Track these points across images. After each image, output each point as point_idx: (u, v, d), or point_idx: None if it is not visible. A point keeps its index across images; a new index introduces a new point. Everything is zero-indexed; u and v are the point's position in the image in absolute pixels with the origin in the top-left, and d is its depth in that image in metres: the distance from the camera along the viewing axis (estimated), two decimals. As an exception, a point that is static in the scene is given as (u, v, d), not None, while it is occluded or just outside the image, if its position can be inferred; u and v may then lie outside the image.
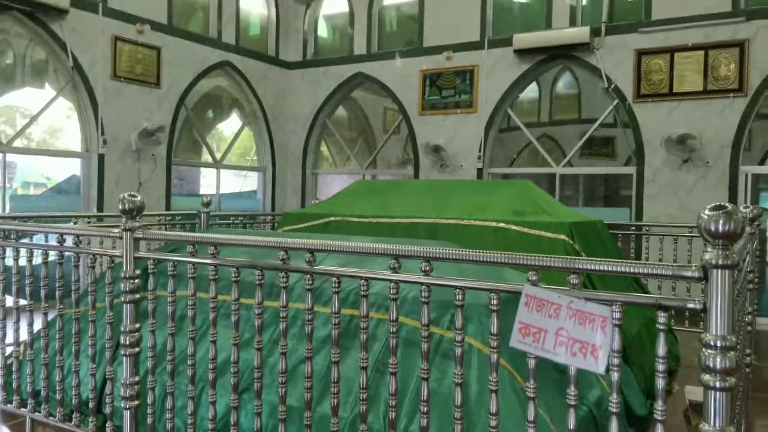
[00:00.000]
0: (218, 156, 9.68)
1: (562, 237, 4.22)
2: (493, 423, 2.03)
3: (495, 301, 1.98)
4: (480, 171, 8.76)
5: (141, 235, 2.64)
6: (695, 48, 7.36)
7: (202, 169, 10.07)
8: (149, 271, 2.66)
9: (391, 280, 2.16)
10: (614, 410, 1.78)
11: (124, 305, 2.63)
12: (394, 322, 2.20)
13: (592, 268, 1.80)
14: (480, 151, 8.75)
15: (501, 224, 4.43)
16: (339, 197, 5.59)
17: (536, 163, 12.48)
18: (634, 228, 6.27)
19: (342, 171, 11.12)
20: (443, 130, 9.07)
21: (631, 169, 7.96)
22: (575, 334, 1.76)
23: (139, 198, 2.66)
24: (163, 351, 2.92)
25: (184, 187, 9.82)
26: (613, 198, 9.38)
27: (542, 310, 1.79)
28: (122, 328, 2.64)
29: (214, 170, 9.64)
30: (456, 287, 2.05)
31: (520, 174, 9.20)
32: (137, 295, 2.65)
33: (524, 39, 8.30)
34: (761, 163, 7.67)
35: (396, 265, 2.13)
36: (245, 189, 11.15)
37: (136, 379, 2.66)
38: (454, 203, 4.85)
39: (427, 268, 2.07)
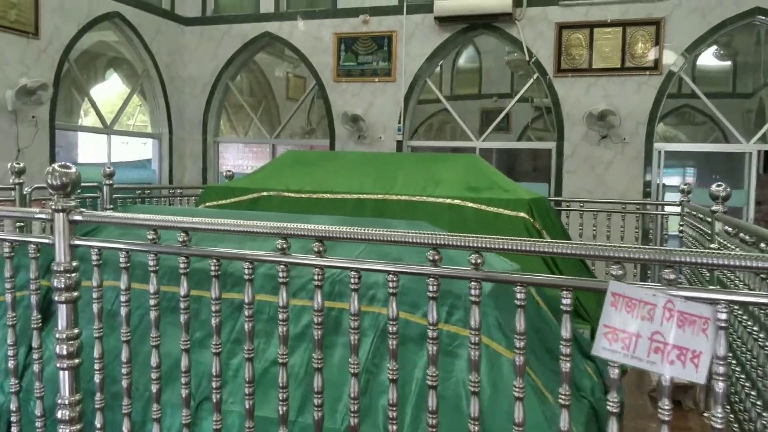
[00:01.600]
0: (108, 120, 8.61)
1: (522, 215, 4.00)
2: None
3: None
4: (399, 143, 8.44)
5: (80, 218, 2.04)
6: (614, 24, 7.43)
7: (80, 134, 8.96)
8: (94, 262, 2.07)
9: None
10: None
11: (60, 306, 2.04)
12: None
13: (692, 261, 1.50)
14: (399, 122, 8.42)
15: (456, 201, 4.14)
16: (267, 170, 5.04)
17: (443, 137, 12.43)
18: (579, 205, 6.19)
19: (248, 140, 10.38)
20: (360, 99, 8.63)
21: (551, 145, 7.99)
22: (673, 338, 1.48)
23: (73, 170, 2.05)
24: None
25: (62, 156, 8.68)
26: (532, 173, 9.46)
27: (633, 311, 1.50)
28: (57, 335, 2.05)
29: (102, 136, 8.58)
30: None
31: (442, 148, 9.00)
32: (76, 293, 2.06)
33: (445, 6, 7.99)
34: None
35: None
36: (135, 158, 10.13)
37: (77, 397, 2.08)
38: (401, 178, 4.48)
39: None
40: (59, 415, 2.06)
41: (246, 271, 1.94)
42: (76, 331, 2.07)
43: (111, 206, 5.23)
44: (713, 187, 3.30)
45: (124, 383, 2.13)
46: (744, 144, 7.29)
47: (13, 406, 2.37)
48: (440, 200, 4.16)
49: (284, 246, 1.86)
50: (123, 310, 2.08)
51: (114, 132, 8.65)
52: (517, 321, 1.73)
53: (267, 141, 9.81)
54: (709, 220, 3.77)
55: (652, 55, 7.29)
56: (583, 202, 5.97)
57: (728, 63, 11.47)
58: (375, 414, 2.28)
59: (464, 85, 13.74)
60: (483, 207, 4.06)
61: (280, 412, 1.97)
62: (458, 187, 4.24)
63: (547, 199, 4.92)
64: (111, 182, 5.21)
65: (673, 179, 9.42)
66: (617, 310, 1.50)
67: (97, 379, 2.13)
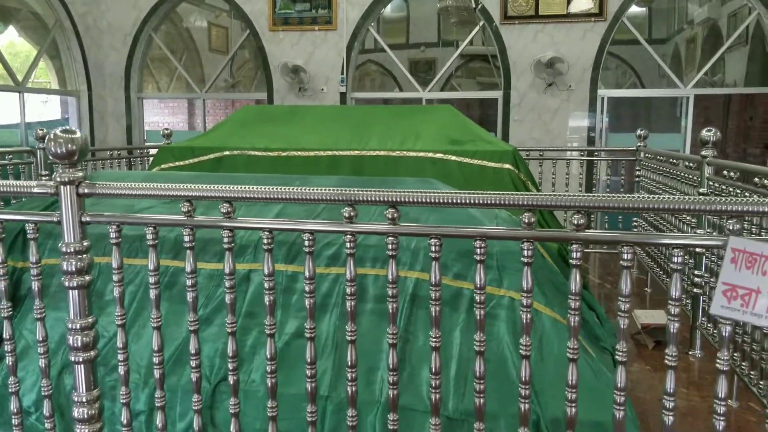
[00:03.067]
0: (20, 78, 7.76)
1: (507, 166, 3.92)
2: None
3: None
4: (343, 95, 8.13)
5: (88, 191, 1.74)
6: (558, -30, 7.38)
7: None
8: (113, 241, 1.78)
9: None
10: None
11: (71, 292, 1.75)
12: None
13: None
14: (342, 73, 8.09)
15: (439, 155, 4.00)
16: (226, 127, 4.67)
17: (375, 88, 12.16)
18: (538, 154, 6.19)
19: (177, 95, 9.72)
20: (299, 49, 8.21)
21: (498, 93, 7.95)
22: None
23: (79, 134, 1.74)
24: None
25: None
26: (481, 123, 9.41)
27: (753, 267, 1.43)
28: (69, 325, 1.77)
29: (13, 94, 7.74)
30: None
31: (387, 99, 8.76)
32: (88, 277, 1.77)
33: (387, -50, 7.66)
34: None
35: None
36: (46, 119, 9.26)
37: (96, 393, 1.82)
38: (376, 133, 4.27)
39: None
40: (75, 413, 1.81)
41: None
42: (90, 319, 1.80)
43: (46, 173, 4.73)
44: (704, 132, 3.32)
45: (121, 370, 1.89)
46: (683, 88, 7.53)
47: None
48: (422, 154, 4.01)
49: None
50: (153, 293, 1.81)
51: (28, 90, 7.82)
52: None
53: (198, 95, 9.20)
54: (691, 164, 3.83)
55: (596, 2, 7.31)
56: (542, 151, 5.99)
57: (644, 9, 11.83)
58: (417, 383, 2.16)
59: (391, 35, 13.46)
60: (467, 160, 3.95)
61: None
62: (439, 141, 4.09)
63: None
64: (44, 146, 4.68)
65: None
66: (737, 266, 1.42)
67: (121, 371, 1.88)
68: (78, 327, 1.78)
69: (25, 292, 2.66)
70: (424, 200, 1.61)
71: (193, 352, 1.86)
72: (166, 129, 6.22)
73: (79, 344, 1.79)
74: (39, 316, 2.00)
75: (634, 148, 5.49)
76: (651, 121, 11.66)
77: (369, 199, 1.62)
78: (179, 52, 10.85)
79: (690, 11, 11.43)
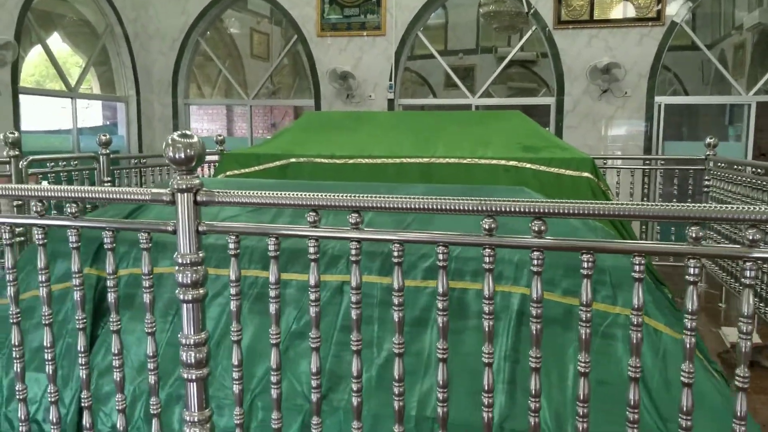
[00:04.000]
0: (72, 83, 7.83)
1: (586, 175, 3.78)
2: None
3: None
4: (391, 102, 8.05)
5: (206, 199, 1.66)
6: (614, -26, 7.21)
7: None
8: (232, 252, 1.70)
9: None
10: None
11: (185, 305, 1.67)
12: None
13: None
14: (391, 80, 8.01)
15: (512, 162, 3.87)
16: (289, 133, 4.61)
17: (406, 95, 12.04)
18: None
19: (225, 102, 9.74)
20: (347, 55, 8.15)
21: (551, 100, 7.79)
22: None
23: (196, 139, 1.66)
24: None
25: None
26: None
27: None
28: (182, 341, 1.69)
29: (68, 100, 7.82)
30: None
31: (436, 106, 8.66)
32: (203, 290, 1.69)
33: (438, -46, 7.57)
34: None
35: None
36: (96, 124, 9.36)
37: (208, 413, 1.74)
38: (444, 139, 4.17)
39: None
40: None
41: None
42: (204, 335, 1.72)
43: (108, 179, 4.72)
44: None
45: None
46: (744, 95, 7.29)
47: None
48: (494, 162, 3.89)
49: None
50: (272, 307, 1.72)
51: (80, 96, 7.90)
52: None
53: (244, 102, 9.20)
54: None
55: (654, 6, 7.12)
56: (605, 159, 5.81)
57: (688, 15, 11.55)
58: (521, 404, 2.05)
59: (430, 42, 13.40)
60: (543, 168, 3.81)
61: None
62: (512, 148, 3.97)
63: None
64: (108, 152, 4.67)
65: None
66: None
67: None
68: (192, 343, 1.70)
69: (106, 303, 2.60)
70: (528, 210, 1.49)
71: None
72: (219, 135, 6.20)
73: (193, 361, 1.71)
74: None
75: (703, 157, 5.29)
76: (698, 129, 11.37)
77: (512, 209, 1.51)
78: (222, 58, 10.91)
79: (737, 17, 11.11)
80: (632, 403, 1.56)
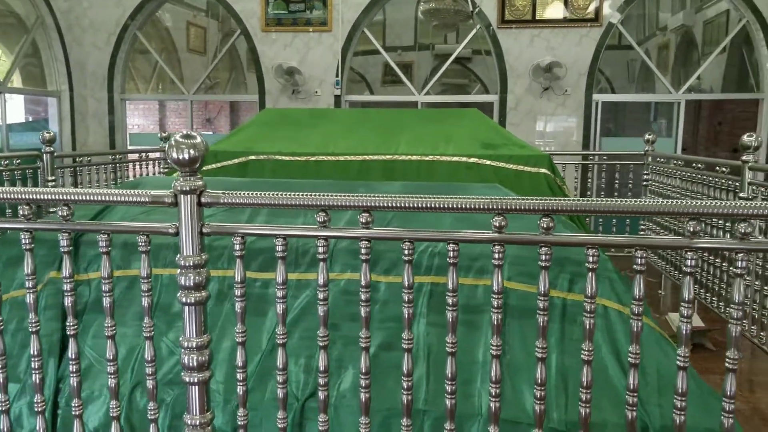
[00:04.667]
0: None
1: (544, 171, 3.93)
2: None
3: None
4: (338, 98, 8.04)
5: (211, 200, 1.64)
6: (554, -25, 7.46)
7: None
8: (237, 253, 1.68)
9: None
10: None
11: (187, 308, 1.65)
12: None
13: None
14: (337, 76, 8.00)
15: (473, 159, 3.97)
16: (247, 130, 4.54)
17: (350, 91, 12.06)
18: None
19: (163, 96, 9.44)
20: (293, 50, 8.07)
21: (494, 97, 7.98)
22: None
23: (200, 139, 1.64)
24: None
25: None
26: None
27: None
28: (184, 344, 1.66)
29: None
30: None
31: (381, 102, 8.70)
32: (205, 293, 1.67)
33: (383, -49, 7.61)
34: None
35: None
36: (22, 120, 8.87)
37: (209, 416, 1.72)
38: (405, 136, 4.22)
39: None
40: (190, 439, 1.70)
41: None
42: (206, 337, 1.70)
43: (53, 178, 4.51)
44: (745, 137, 3.39)
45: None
46: (674, 94, 7.71)
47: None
48: (455, 159, 3.98)
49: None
50: (279, 307, 1.72)
51: (8, 90, 7.47)
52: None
53: (185, 97, 8.95)
54: (724, 170, 3.90)
55: (592, 7, 7.42)
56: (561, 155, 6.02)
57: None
58: (519, 396, 2.12)
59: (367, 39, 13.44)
60: (502, 164, 3.93)
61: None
62: (472, 145, 4.07)
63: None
64: (52, 149, 4.46)
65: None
66: None
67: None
68: (194, 346, 1.68)
69: (81, 306, 2.51)
70: (539, 208, 1.56)
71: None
72: (164, 132, 6.03)
73: (195, 364, 1.68)
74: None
75: (642, 152, 5.58)
76: (625, 126, 11.92)
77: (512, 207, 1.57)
78: (158, 52, 10.56)
79: (662, 19, 11.71)
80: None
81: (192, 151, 1.61)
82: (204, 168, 4.25)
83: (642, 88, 11.38)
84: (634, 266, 1.56)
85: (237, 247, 1.68)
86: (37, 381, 1.82)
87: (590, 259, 1.57)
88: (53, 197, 1.69)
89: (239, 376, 1.74)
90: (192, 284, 1.65)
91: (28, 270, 1.75)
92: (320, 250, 1.66)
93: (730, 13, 8.82)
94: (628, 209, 1.54)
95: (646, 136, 5.57)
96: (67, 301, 1.78)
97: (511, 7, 7.57)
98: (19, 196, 1.71)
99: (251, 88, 12.09)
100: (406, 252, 1.62)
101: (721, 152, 11.59)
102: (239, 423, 1.77)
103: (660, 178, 5.22)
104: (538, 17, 7.51)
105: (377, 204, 1.61)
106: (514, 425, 2.06)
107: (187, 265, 1.64)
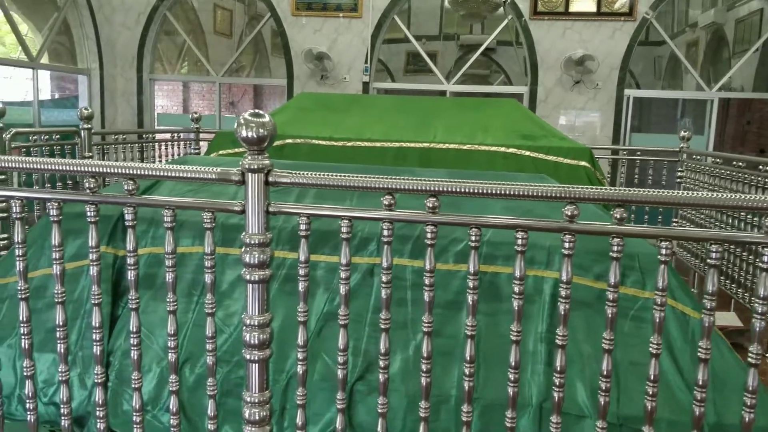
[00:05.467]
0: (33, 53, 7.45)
1: (584, 164, 3.89)
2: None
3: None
4: (366, 85, 8.01)
5: (277, 179, 1.64)
6: (589, -32, 7.36)
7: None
8: (302, 233, 1.68)
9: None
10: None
11: (251, 286, 1.65)
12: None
13: None
14: (366, 62, 7.96)
15: (511, 150, 3.94)
16: (283, 113, 4.54)
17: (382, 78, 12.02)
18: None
19: (193, 78, 9.46)
20: (322, 36, 8.05)
21: (524, 89, 7.92)
22: None
23: (268, 118, 1.63)
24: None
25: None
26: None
27: None
28: (247, 321, 1.67)
29: (28, 71, 7.42)
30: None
31: (410, 91, 8.66)
32: (269, 271, 1.67)
33: (416, -62, 7.54)
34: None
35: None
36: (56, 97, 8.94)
37: (268, 394, 1.72)
38: (441, 124, 4.20)
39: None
40: (247, 414, 1.71)
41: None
42: (268, 316, 1.70)
43: (90, 154, 4.54)
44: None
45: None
46: (707, 91, 7.60)
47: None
48: (494, 149, 3.95)
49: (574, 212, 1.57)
50: (342, 288, 1.72)
51: (42, 66, 7.52)
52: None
53: (213, 79, 8.96)
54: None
55: (626, 1, 7.32)
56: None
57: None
58: (569, 388, 2.11)
59: (392, 28, 13.37)
60: (542, 156, 3.90)
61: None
62: (510, 135, 4.04)
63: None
64: (90, 126, 4.49)
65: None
66: None
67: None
68: (255, 323, 1.68)
69: (128, 281, 2.52)
70: (612, 197, 1.54)
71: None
72: (195, 113, 6.04)
73: (256, 341, 1.69)
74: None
75: (677, 149, 5.51)
76: (650, 122, 11.80)
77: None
78: (186, 33, 10.59)
79: (691, 16, 11.54)
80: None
81: (261, 130, 1.60)
82: (240, 149, 4.28)
83: (668, 85, 11.25)
84: (709, 260, 1.53)
85: (302, 227, 1.67)
86: (98, 353, 1.83)
87: (663, 251, 1.54)
88: (119, 171, 1.69)
89: (300, 355, 1.74)
90: (257, 262, 1.64)
91: (92, 242, 1.76)
92: (385, 233, 1.65)
93: (765, 11, 8.67)
94: (714, 203, 1.52)
95: (681, 133, 5.49)
96: (131, 275, 1.79)
97: (544, -2, 7.49)
98: (85, 169, 1.71)
99: (275, 72, 12.11)
100: (473, 239, 1.61)
101: (748, 152, 11.43)
102: (298, 402, 1.77)
103: (696, 176, 5.16)
104: (570, 10, 7.42)
105: (446, 189, 1.59)
106: (564, 416, 2.05)
107: (252, 243, 1.64)
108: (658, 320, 1.58)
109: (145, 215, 2.63)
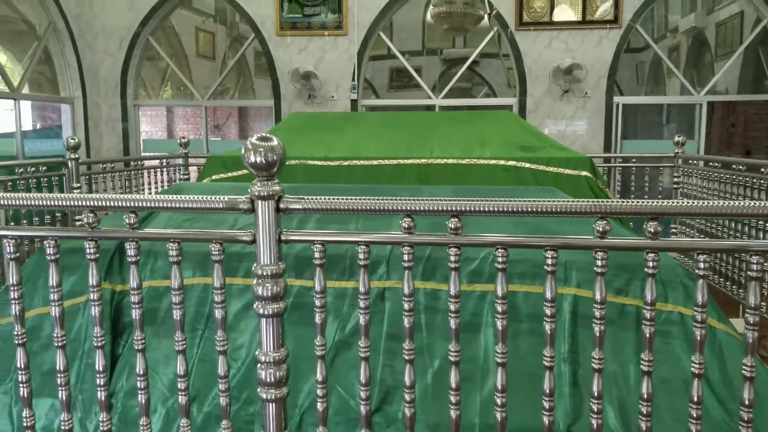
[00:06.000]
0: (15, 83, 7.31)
1: (585, 173, 3.83)
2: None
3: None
4: (354, 102, 7.95)
5: (290, 206, 1.54)
6: (572, -23, 7.39)
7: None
8: (317, 261, 1.58)
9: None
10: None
11: (264, 320, 1.55)
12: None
13: None
14: (354, 80, 7.91)
15: (511, 162, 3.88)
16: (275, 134, 4.44)
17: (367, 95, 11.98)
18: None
19: (179, 103, 9.35)
20: (308, 54, 7.99)
21: (513, 100, 7.89)
22: None
23: (277, 142, 1.55)
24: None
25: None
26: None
27: None
28: (262, 358, 1.56)
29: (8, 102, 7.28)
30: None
31: (398, 106, 8.61)
32: (283, 304, 1.57)
33: (398, -46, 7.54)
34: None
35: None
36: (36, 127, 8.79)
37: (287, 442, 1.61)
38: (438, 139, 4.13)
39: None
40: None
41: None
42: (284, 351, 1.60)
43: (78, 185, 4.41)
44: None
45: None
46: (696, 95, 7.63)
47: None
48: (493, 162, 3.88)
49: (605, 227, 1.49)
50: (363, 318, 1.62)
51: (23, 97, 7.38)
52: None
53: (199, 103, 8.87)
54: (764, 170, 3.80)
55: (611, 8, 7.34)
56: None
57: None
58: (587, 408, 2.02)
59: (376, 45, 13.33)
60: (542, 167, 3.84)
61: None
62: (509, 147, 3.98)
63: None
64: (77, 156, 4.37)
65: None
66: None
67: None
68: (271, 360, 1.58)
69: (129, 318, 2.41)
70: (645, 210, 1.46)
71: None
72: (183, 138, 5.93)
73: (272, 379, 1.58)
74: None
75: (672, 154, 5.48)
76: (636, 128, 11.84)
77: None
78: (169, 58, 10.50)
79: (671, 21, 11.65)
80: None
81: (270, 155, 1.51)
82: (233, 174, 4.17)
83: (652, 91, 11.30)
84: (749, 272, 1.45)
85: (317, 255, 1.58)
86: (102, 399, 1.71)
87: (701, 265, 1.47)
88: (119, 204, 1.59)
89: (319, 392, 1.64)
90: (270, 294, 1.55)
91: (92, 281, 1.65)
92: (405, 257, 1.56)
93: (745, 14, 8.75)
94: (743, 211, 1.45)
95: (676, 138, 5.47)
96: (135, 314, 1.68)
97: (529, 9, 7.49)
98: (83, 203, 1.61)
99: (259, 94, 12.03)
100: (501, 260, 1.53)
101: (735, 154, 11.51)
102: None
103: (694, 181, 5.13)
104: (555, 19, 7.43)
105: (466, 209, 1.51)
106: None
107: (264, 274, 1.54)
108: (699, 338, 1.50)
109: (142, 247, 2.52)
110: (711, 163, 4.70)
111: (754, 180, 3.91)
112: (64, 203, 1.53)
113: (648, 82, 11.83)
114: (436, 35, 12.88)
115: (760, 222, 3.84)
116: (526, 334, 2.24)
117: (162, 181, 5.54)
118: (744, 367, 1.47)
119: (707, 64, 10.72)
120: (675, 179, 5.46)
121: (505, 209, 1.51)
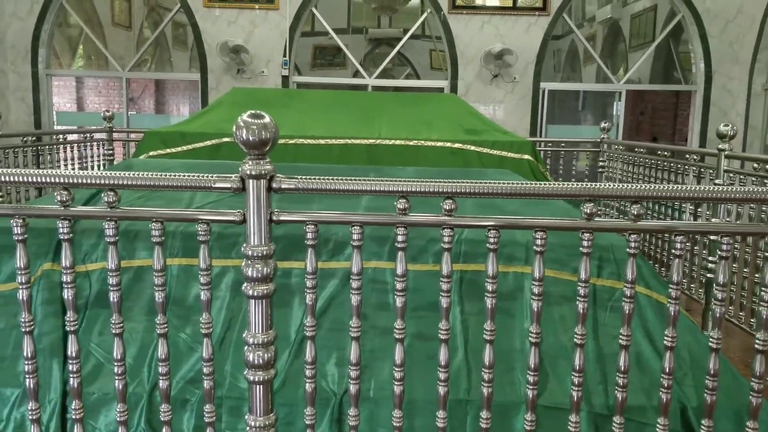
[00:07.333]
0: None
1: (527, 157, 3.96)
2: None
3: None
4: (285, 78, 7.79)
5: (283, 186, 1.51)
6: (505, -37, 7.53)
7: None
8: (309, 242, 1.55)
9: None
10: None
11: (253, 302, 1.51)
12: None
13: None
14: (285, 56, 7.74)
15: (457, 145, 3.95)
16: (217, 111, 4.30)
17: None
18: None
19: (97, 74, 8.82)
20: (237, 28, 7.73)
21: (444, 83, 7.99)
22: None
23: (268, 119, 1.51)
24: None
25: None
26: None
27: None
28: (249, 339, 1.53)
29: None
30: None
31: (329, 84, 8.49)
32: (272, 285, 1.54)
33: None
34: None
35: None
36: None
37: (273, 418, 1.59)
38: (385, 120, 4.14)
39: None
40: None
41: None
42: (272, 333, 1.57)
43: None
44: (721, 127, 3.54)
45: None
46: (616, 84, 8.01)
47: None
48: (440, 144, 3.94)
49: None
50: (354, 299, 1.61)
51: None
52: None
53: (119, 74, 8.40)
54: (695, 157, 4.07)
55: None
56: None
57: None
58: (562, 383, 2.13)
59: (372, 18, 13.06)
60: (486, 150, 3.94)
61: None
62: (454, 130, 4.04)
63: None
64: (-4, 128, 4.05)
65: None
66: None
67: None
68: (259, 342, 1.55)
69: (82, 300, 2.28)
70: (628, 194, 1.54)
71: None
72: (107, 111, 5.62)
73: (261, 361, 1.55)
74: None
75: (598, 140, 5.75)
76: (555, 115, 12.36)
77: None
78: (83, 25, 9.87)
79: (588, 11, 12.15)
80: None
81: (263, 133, 1.47)
82: (172, 150, 4.01)
83: (568, 78, 11.79)
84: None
85: (309, 235, 1.55)
86: (75, 386, 1.62)
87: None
88: (99, 182, 1.50)
89: (308, 372, 1.63)
90: (260, 276, 1.51)
91: (66, 263, 1.55)
92: (400, 238, 1.57)
93: (658, 7, 9.26)
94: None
95: (602, 125, 5.74)
96: (113, 297, 1.60)
97: (462, -8, 7.59)
98: (55, 180, 1.51)
99: (177, 66, 11.54)
100: (492, 241, 1.56)
101: (643, 140, 12.23)
102: (307, 423, 1.66)
103: (619, 165, 5.41)
104: (488, 4, 7.56)
105: (462, 190, 1.53)
106: (559, 411, 2.06)
107: (254, 255, 1.50)
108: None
109: (93, 227, 2.39)
110: (637, 149, 4.97)
111: (679, 165, 4.18)
112: (36, 179, 1.43)
113: (564, 69, 12.32)
114: (362, 14, 12.80)
115: (678, 204, 4.11)
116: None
117: (84, 158, 5.23)
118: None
119: (621, 54, 11.29)
120: (600, 163, 5.74)
121: (493, 191, 1.54)
